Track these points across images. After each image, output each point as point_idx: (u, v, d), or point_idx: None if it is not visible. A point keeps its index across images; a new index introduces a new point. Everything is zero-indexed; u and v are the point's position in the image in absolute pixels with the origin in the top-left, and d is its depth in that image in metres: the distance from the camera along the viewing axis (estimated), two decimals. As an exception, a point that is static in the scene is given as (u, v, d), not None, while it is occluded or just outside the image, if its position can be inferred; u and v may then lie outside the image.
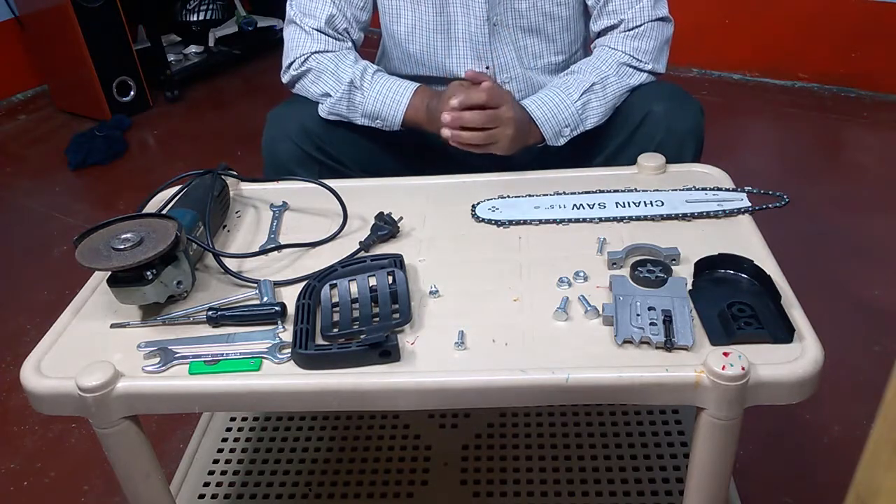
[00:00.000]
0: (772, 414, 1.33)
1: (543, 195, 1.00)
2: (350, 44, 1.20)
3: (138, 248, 0.79)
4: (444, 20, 1.17)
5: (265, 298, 0.83)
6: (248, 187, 1.10)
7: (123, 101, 2.83)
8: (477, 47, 1.18)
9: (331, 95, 1.14)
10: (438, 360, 0.74)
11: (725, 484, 0.75)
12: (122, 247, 0.79)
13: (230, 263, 0.91)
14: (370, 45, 1.24)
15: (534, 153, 1.16)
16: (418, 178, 1.09)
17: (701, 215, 0.93)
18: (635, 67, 1.14)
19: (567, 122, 1.10)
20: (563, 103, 1.09)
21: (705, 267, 0.81)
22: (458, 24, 1.17)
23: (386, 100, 1.12)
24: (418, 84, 1.13)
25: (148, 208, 1.05)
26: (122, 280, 0.80)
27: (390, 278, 0.82)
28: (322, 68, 1.15)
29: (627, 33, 1.14)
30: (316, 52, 1.16)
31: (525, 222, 0.95)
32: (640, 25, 1.13)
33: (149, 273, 0.79)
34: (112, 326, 0.82)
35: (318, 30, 1.16)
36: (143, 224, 0.84)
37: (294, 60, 1.17)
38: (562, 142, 1.11)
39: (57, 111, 2.99)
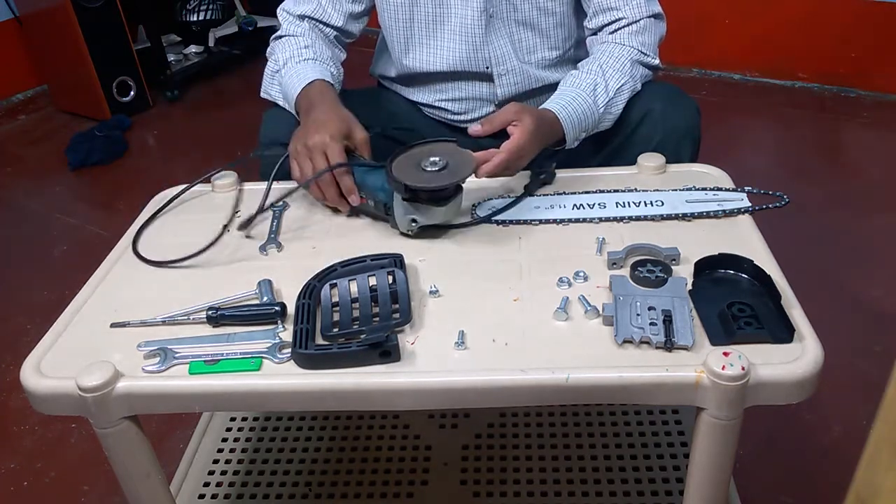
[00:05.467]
0: (772, 414, 1.33)
1: (543, 195, 1.00)
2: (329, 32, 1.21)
3: (444, 172, 0.88)
4: (440, 11, 1.17)
5: (265, 298, 0.83)
6: (248, 187, 1.10)
7: (123, 101, 2.83)
8: (474, 39, 1.19)
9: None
10: (438, 360, 0.74)
11: (725, 484, 0.75)
12: (432, 169, 0.88)
13: (230, 262, 0.91)
14: (369, 44, 1.24)
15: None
16: (418, 178, 1.09)
17: (701, 215, 0.93)
18: (644, 63, 1.14)
19: (587, 128, 1.09)
20: (589, 110, 1.07)
21: (705, 267, 0.81)
22: (455, 15, 1.18)
23: (292, 82, 1.11)
24: (319, 78, 1.09)
25: (147, 209, 1.05)
26: (423, 199, 0.88)
27: (390, 278, 0.82)
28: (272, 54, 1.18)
29: (630, 27, 1.14)
30: (281, 37, 1.18)
31: (525, 222, 0.94)
32: (638, 21, 1.13)
33: (447, 196, 0.88)
34: (112, 326, 0.82)
35: (300, 15, 1.19)
36: (447, 150, 0.92)
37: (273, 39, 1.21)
38: (576, 144, 1.11)
39: (57, 111, 2.99)
